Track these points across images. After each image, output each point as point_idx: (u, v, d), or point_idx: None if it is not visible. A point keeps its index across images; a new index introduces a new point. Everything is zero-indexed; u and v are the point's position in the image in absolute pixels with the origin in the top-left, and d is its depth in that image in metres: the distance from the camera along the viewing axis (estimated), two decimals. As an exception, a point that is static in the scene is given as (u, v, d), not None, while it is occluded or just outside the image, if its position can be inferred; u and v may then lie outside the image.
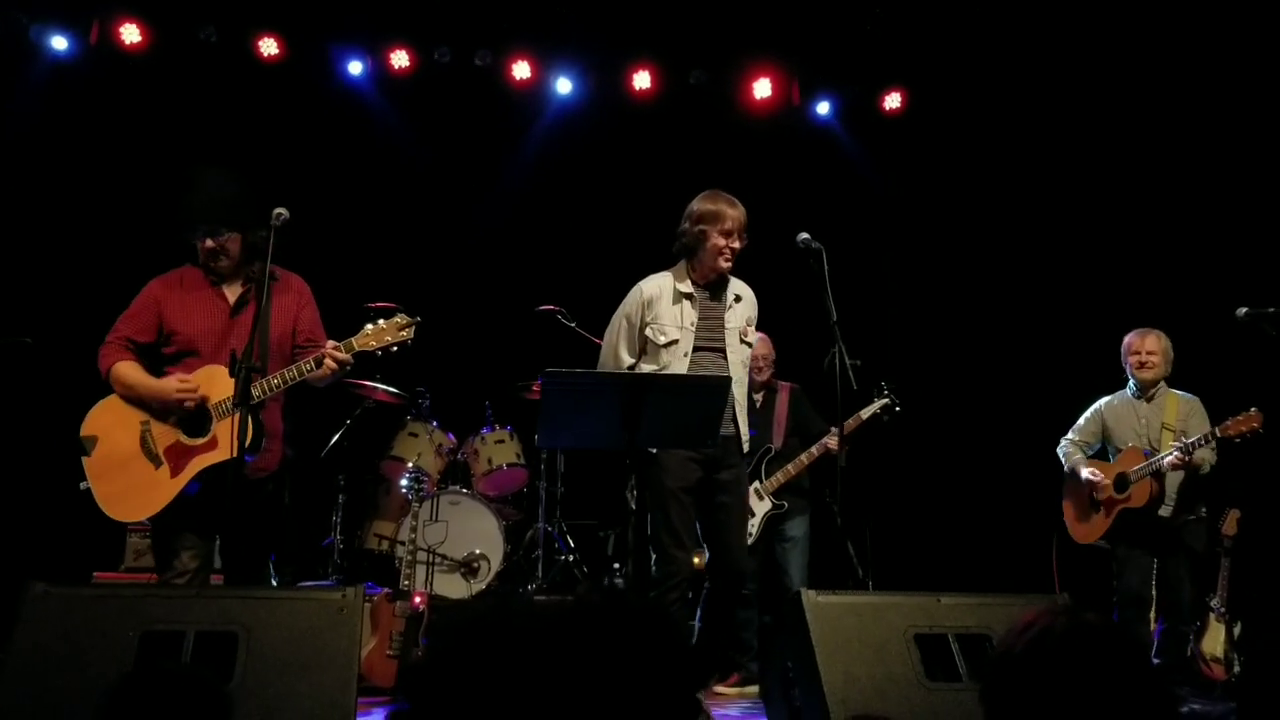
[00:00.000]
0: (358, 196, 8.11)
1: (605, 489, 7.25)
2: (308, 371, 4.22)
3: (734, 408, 4.68)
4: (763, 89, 8.49)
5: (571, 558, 7.18)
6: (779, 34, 8.28)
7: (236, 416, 3.98)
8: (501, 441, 7.22)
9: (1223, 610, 6.27)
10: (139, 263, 7.59)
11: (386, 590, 6.05)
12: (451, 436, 7.24)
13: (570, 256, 8.22)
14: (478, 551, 6.70)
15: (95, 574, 6.26)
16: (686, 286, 4.77)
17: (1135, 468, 5.72)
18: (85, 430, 4.27)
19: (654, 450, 4.62)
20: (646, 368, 4.68)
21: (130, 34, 7.79)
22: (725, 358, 4.73)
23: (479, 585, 6.66)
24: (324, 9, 8.05)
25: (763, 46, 8.40)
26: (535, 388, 6.72)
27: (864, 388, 4.70)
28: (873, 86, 8.61)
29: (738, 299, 4.79)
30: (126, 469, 4.20)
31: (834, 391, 4.81)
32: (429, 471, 6.78)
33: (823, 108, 8.69)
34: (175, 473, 4.17)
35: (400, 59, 8.14)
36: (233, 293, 4.43)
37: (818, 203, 4.97)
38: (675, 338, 4.69)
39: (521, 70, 8.29)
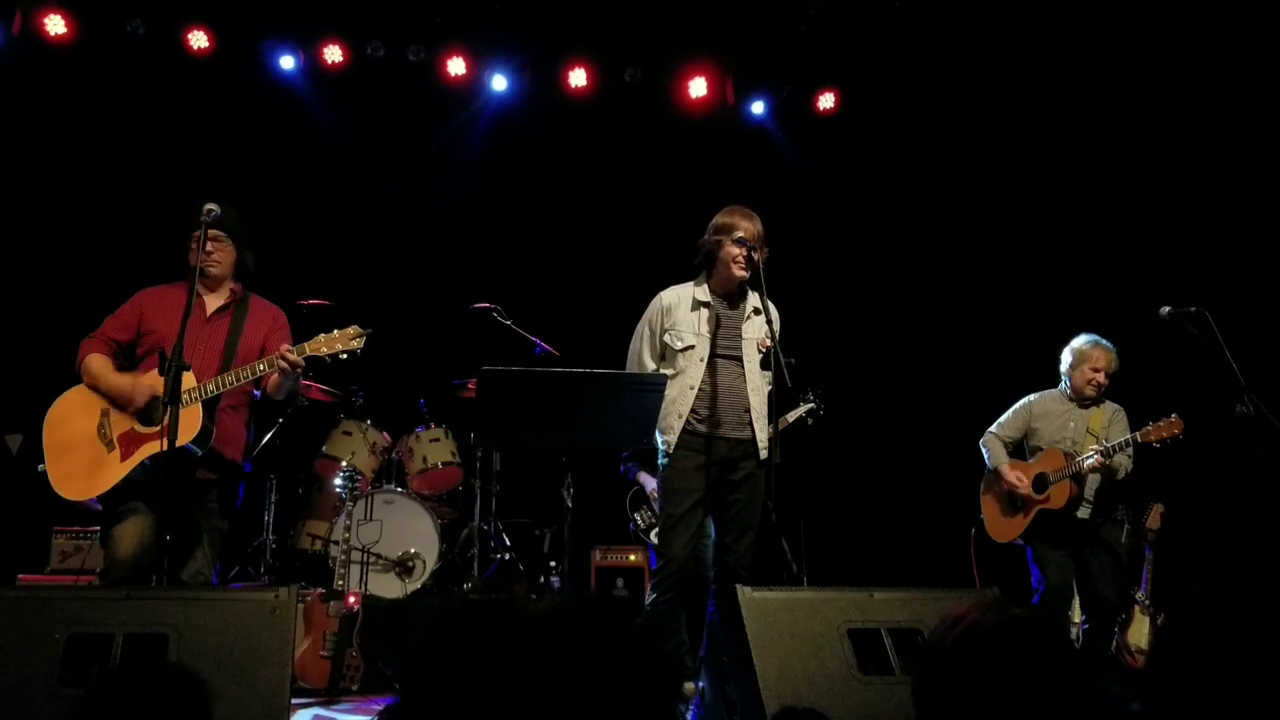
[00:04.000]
0: (290, 192, 8.00)
1: (541, 487, 7.24)
2: (260, 372, 4.42)
3: (751, 414, 4.80)
4: (698, 88, 8.54)
5: (507, 556, 7.15)
6: (714, 33, 8.32)
7: (183, 411, 4.13)
8: (436, 440, 7.18)
9: (1147, 603, 6.42)
10: (63, 253, 7.53)
11: (320, 590, 6.00)
12: (386, 435, 7.19)
13: (506, 254, 8.21)
14: (413, 551, 6.65)
15: (20, 576, 6.14)
16: (704, 295, 4.91)
17: (1055, 469, 5.75)
18: (50, 413, 4.49)
19: (668, 451, 4.75)
20: (667, 372, 4.79)
21: (55, 25, 7.62)
22: (743, 366, 4.84)
23: (414, 585, 6.62)
24: (255, 2, 7.93)
25: (698, 45, 8.44)
26: (471, 386, 6.69)
27: (797, 387, 4.77)
28: (807, 86, 8.69)
29: (756, 311, 4.88)
30: (80, 451, 4.40)
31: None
32: (363, 470, 6.73)
33: (757, 107, 8.76)
34: (125, 457, 4.38)
35: (333, 53, 8.05)
36: (212, 303, 4.68)
37: (752, 201, 5.00)
38: (691, 343, 4.83)
39: (456, 66, 8.24)
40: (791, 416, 6.55)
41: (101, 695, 2.10)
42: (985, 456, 6.00)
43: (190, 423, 4.26)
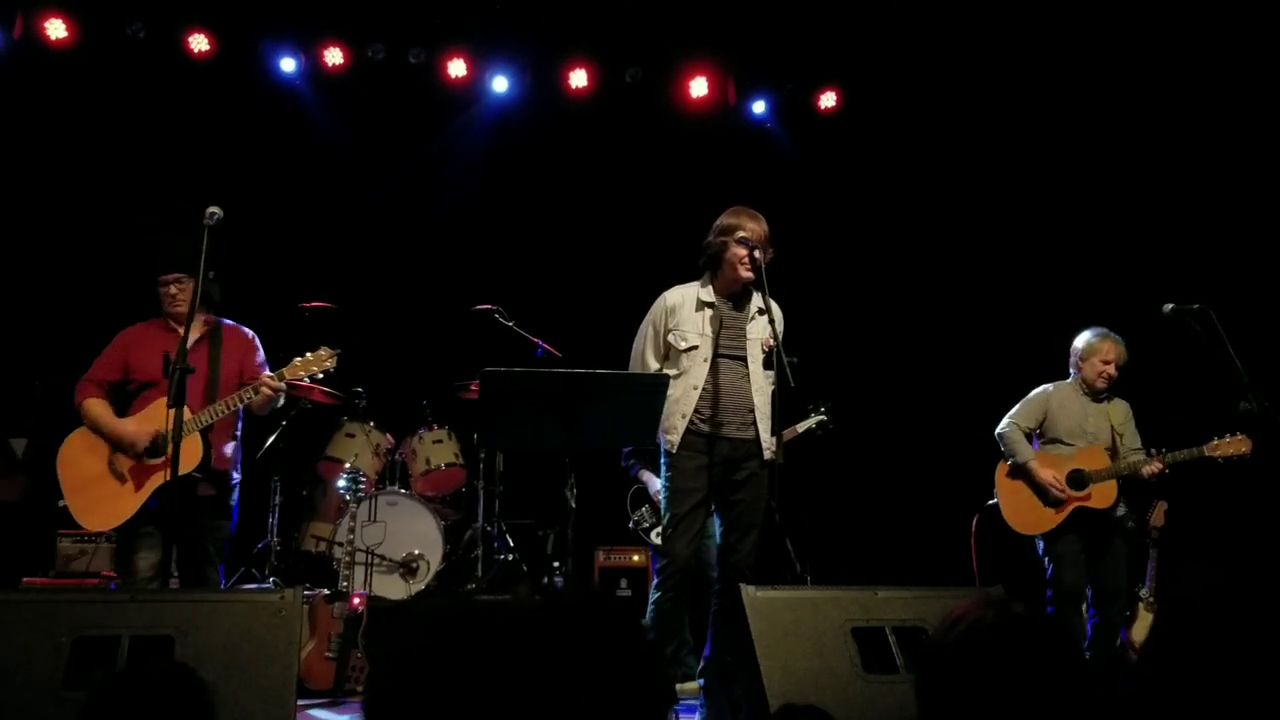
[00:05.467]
0: (292, 195, 8.00)
1: (544, 488, 7.24)
2: (246, 400, 4.85)
3: (755, 414, 4.80)
4: (699, 87, 8.54)
5: (511, 557, 7.16)
6: (715, 33, 8.32)
7: (180, 422, 4.37)
8: (440, 441, 7.18)
9: (1151, 599, 6.41)
10: (67, 257, 7.54)
11: (324, 592, 6.01)
12: (389, 436, 7.19)
13: (508, 255, 8.20)
14: (416, 552, 6.66)
15: (25, 579, 6.15)
16: (709, 295, 4.89)
17: (1099, 469, 5.70)
18: (61, 454, 4.90)
19: (671, 451, 4.75)
20: (670, 372, 4.78)
21: (56, 29, 7.62)
22: (747, 366, 4.84)
23: (418, 586, 6.62)
24: (255, 4, 7.93)
25: (699, 45, 8.43)
26: (473, 387, 6.69)
27: (801, 388, 4.76)
28: (808, 85, 8.68)
29: (760, 312, 4.87)
30: (96, 486, 4.85)
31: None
32: (366, 472, 6.73)
33: (758, 106, 8.76)
34: (138, 488, 4.82)
35: (334, 56, 8.05)
36: (189, 337, 4.89)
37: (754, 200, 5.00)
38: (695, 344, 4.81)
39: (457, 68, 8.24)
40: (801, 428, 6.55)
41: (107, 697, 2.10)
42: (1007, 448, 5.88)
43: (191, 451, 4.67)
